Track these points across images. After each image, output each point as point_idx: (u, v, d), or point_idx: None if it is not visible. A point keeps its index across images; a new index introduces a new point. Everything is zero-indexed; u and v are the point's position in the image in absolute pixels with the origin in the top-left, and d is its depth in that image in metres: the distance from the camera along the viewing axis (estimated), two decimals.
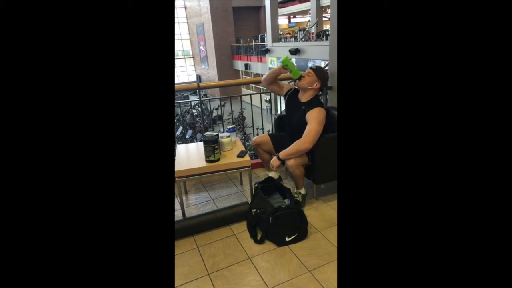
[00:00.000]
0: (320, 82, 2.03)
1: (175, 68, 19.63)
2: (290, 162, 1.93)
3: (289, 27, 17.87)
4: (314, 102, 2.01)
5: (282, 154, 1.92)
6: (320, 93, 2.25)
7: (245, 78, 15.56)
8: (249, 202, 2.04)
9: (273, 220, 1.72)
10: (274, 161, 1.95)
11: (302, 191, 2.12)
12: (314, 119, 1.91)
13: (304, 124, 1.95)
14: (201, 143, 2.11)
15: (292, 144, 1.91)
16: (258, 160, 2.43)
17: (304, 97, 2.05)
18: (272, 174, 2.28)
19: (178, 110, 8.20)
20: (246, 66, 14.85)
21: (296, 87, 2.12)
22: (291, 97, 2.15)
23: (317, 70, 2.04)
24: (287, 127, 2.23)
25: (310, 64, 9.01)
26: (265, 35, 11.98)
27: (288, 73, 2.08)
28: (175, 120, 7.94)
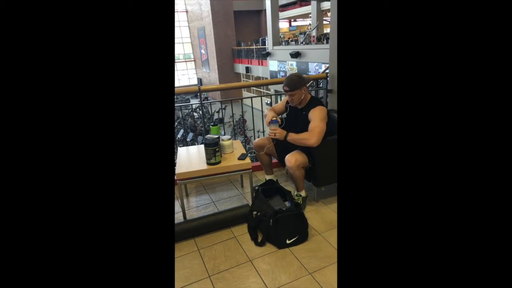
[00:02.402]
0: (304, 88, 1.99)
1: (176, 72, 19.67)
2: (290, 164, 1.93)
3: (289, 30, 17.93)
4: (313, 103, 2.02)
5: (290, 136, 1.93)
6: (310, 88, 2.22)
7: (246, 81, 15.60)
8: (250, 205, 2.04)
9: (273, 222, 1.73)
10: (281, 132, 1.94)
11: (303, 193, 2.12)
12: (317, 116, 1.92)
13: (307, 126, 1.95)
14: (202, 146, 2.12)
15: (303, 133, 1.92)
16: (259, 163, 2.43)
17: (301, 105, 2.06)
18: (270, 177, 2.29)
19: (179, 113, 8.21)
20: (247, 69, 14.89)
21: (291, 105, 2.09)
22: (291, 106, 2.13)
23: (291, 86, 1.95)
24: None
25: (312, 67, 9.02)
26: (266, 38, 12.02)
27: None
28: (177, 124, 7.95)
